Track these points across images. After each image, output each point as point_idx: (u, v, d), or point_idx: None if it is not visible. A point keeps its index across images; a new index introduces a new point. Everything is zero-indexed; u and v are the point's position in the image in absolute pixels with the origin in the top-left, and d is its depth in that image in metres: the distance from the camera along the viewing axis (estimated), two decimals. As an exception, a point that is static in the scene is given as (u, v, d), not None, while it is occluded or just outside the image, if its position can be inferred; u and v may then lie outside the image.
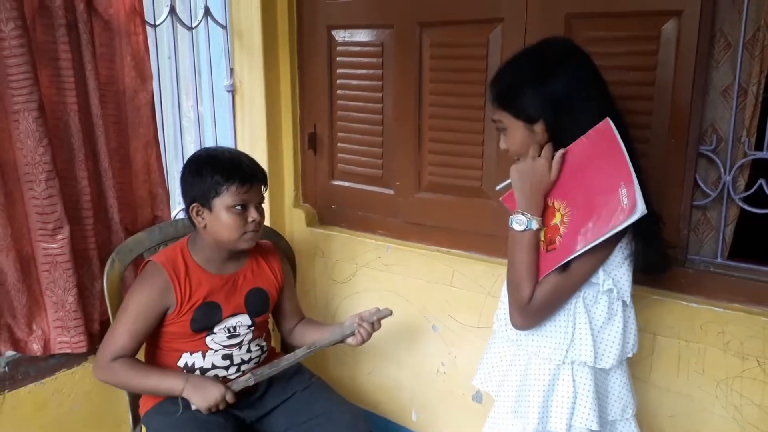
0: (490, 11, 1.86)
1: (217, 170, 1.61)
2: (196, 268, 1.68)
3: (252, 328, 1.75)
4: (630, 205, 1.18)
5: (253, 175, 1.65)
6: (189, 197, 1.66)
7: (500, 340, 1.46)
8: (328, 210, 2.40)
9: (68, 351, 1.81)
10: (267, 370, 1.66)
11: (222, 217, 1.61)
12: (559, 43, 1.33)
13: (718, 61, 1.62)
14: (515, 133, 1.32)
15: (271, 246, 1.88)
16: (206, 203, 1.62)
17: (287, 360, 1.68)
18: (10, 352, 1.76)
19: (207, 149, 1.75)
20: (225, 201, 1.60)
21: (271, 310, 1.81)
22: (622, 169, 1.20)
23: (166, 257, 1.68)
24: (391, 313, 1.73)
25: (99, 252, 1.87)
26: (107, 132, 1.87)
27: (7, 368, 1.75)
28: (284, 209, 2.43)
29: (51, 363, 1.84)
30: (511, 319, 1.34)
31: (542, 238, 1.33)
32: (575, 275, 1.27)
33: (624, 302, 1.34)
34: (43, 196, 1.70)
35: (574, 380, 1.33)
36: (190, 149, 2.43)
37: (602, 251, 1.26)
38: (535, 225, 1.30)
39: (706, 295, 1.65)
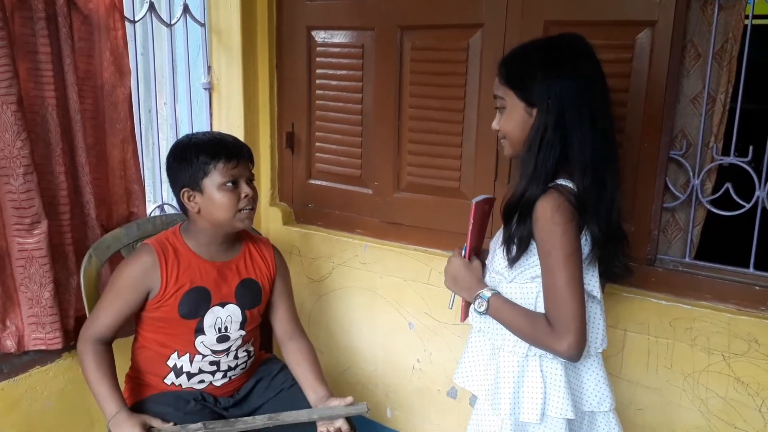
0: (471, 17, 1.91)
1: (201, 151, 1.60)
2: (187, 251, 1.66)
3: (243, 329, 1.71)
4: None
5: (239, 151, 1.64)
6: (178, 184, 1.64)
7: (474, 333, 1.49)
8: (305, 209, 2.41)
9: (43, 347, 1.78)
10: (219, 428, 1.58)
11: (215, 196, 1.60)
12: (577, 41, 1.35)
13: (688, 70, 1.70)
14: (513, 113, 1.35)
15: (266, 240, 1.87)
16: (196, 186, 1.60)
17: (243, 423, 1.60)
18: (-17, 349, 1.73)
19: (188, 135, 1.72)
20: (215, 180, 1.59)
21: (263, 305, 1.78)
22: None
23: (157, 240, 1.67)
24: (366, 410, 1.61)
25: (75, 248, 1.84)
26: (84, 127, 1.85)
27: (-21, 365, 1.72)
28: (261, 208, 2.43)
29: (24, 360, 1.80)
30: (561, 356, 1.32)
31: None
32: (566, 279, 1.28)
33: (591, 296, 1.38)
34: (20, 190, 1.68)
35: (542, 372, 1.36)
36: (165, 146, 2.42)
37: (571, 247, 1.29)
38: (487, 293, 1.38)
39: (675, 292, 1.73)
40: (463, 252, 1.47)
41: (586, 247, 1.33)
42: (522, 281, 1.37)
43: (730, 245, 1.87)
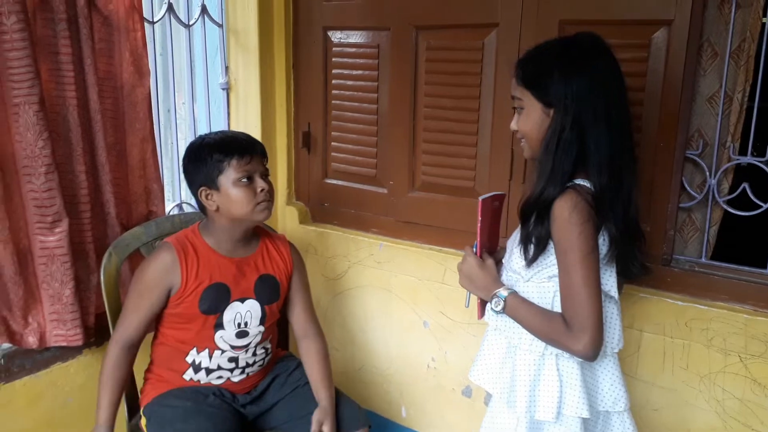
0: (486, 16, 1.91)
1: (215, 149, 1.63)
2: (206, 248, 1.69)
3: (262, 325, 1.74)
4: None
5: (251, 147, 1.66)
6: (195, 184, 1.67)
7: (491, 331, 1.49)
8: (321, 208, 2.43)
9: (64, 344, 1.81)
10: None
11: (231, 193, 1.62)
12: (593, 40, 1.35)
13: (705, 69, 1.69)
14: (532, 114, 1.35)
15: (282, 236, 1.89)
16: (212, 184, 1.63)
17: None
18: (6, 345, 1.76)
19: (200, 136, 1.75)
20: (230, 176, 1.62)
21: (282, 300, 1.80)
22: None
23: (176, 238, 1.70)
24: None
25: (95, 246, 1.88)
26: (105, 127, 1.88)
27: (2, 361, 1.75)
28: (277, 206, 2.45)
29: (46, 356, 1.84)
30: (578, 355, 1.32)
31: None
32: (583, 278, 1.28)
33: (609, 296, 1.37)
34: (42, 189, 1.71)
35: (559, 371, 1.36)
36: (183, 146, 2.45)
37: (589, 246, 1.29)
38: (504, 292, 1.38)
39: (691, 293, 1.72)
40: (474, 249, 1.48)
41: (603, 247, 1.33)
42: (539, 280, 1.37)
43: (747, 245, 1.86)
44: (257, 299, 1.73)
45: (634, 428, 1.45)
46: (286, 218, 2.45)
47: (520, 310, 1.37)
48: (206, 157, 1.63)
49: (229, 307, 1.69)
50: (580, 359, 1.34)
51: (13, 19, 1.60)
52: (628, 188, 1.34)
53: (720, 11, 1.66)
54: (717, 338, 1.66)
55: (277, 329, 1.89)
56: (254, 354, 1.76)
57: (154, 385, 1.74)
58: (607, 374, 1.42)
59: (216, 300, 1.67)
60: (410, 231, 2.20)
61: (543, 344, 1.37)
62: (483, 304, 1.50)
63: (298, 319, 1.86)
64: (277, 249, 1.82)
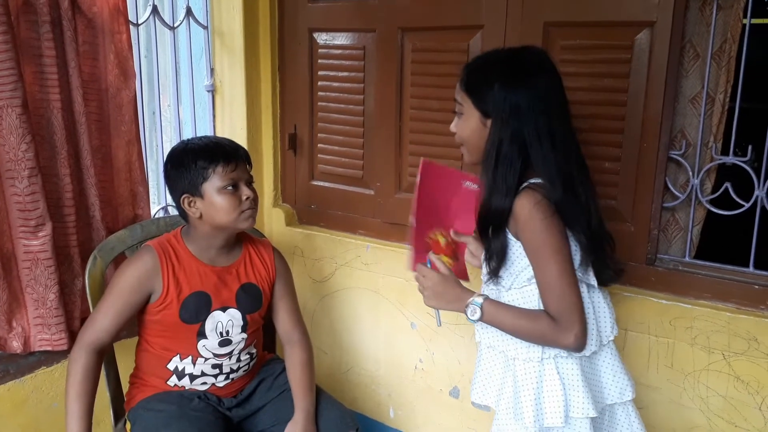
0: (471, 18, 1.92)
1: (199, 156, 1.60)
2: (188, 255, 1.67)
3: (245, 333, 1.72)
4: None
5: (236, 154, 1.64)
6: (178, 190, 1.64)
7: (484, 349, 1.47)
8: (308, 210, 2.43)
9: (48, 348, 1.80)
10: None
11: (216, 200, 1.60)
12: (538, 55, 1.36)
13: (687, 70, 1.71)
14: (469, 121, 1.36)
15: (266, 242, 1.87)
16: (196, 191, 1.60)
17: None
18: (-10, 350, 1.75)
19: (183, 141, 1.72)
20: (215, 184, 1.59)
21: (264, 308, 1.78)
22: (453, 178, 1.52)
23: (158, 242, 1.67)
24: None
25: (80, 249, 1.87)
26: (89, 130, 1.87)
27: (-14, 366, 1.74)
28: (263, 209, 2.45)
29: (30, 360, 1.82)
30: (568, 348, 1.32)
31: (448, 261, 1.46)
32: (558, 269, 1.28)
33: (588, 285, 1.37)
34: (25, 192, 1.70)
35: (560, 374, 1.34)
36: (168, 148, 2.44)
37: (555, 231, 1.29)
38: (479, 299, 1.36)
39: (675, 292, 1.74)
40: (429, 264, 1.46)
41: (576, 256, 1.33)
42: (520, 285, 1.37)
43: (729, 244, 1.88)
44: (238, 308, 1.71)
45: (639, 420, 1.44)
46: (273, 220, 2.45)
47: (500, 314, 1.35)
48: (190, 163, 1.60)
49: (210, 317, 1.67)
50: (574, 354, 1.33)
51: (-5, 21, 1.59)
52: (585, 199, 1.34)
53: (701, 13, 1.68)
54: (701, 336, 1.68)
55: (263, 333, 1.88)
56: (238, 360, 1.74)
57: (139, 389, 1.72)
58: (607, 366, 1.40)
59: (197, 309, 1.65)
60: (397, 232, 2.20)
61: (539, 351, 1.34)
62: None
63: (282, 324, 1.84)
64: (260, 256, 1.79)
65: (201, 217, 1.63)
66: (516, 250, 1.34)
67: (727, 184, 1.69)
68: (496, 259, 1.34)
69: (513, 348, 1.38)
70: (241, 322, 1.72)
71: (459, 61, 1.93)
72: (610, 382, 1.40)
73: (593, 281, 1.38)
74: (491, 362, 1.45)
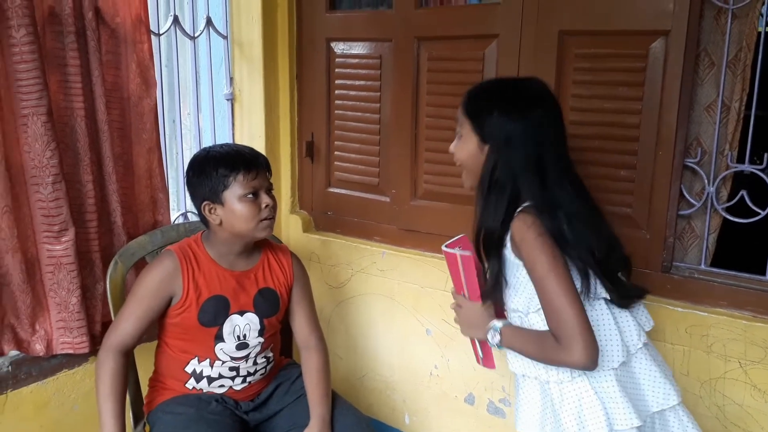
0: (486, 27, 1.94)
1: (220, 164, 1.63)
2: (208, 260, 1.69)
3: (262, 337, 1.74)
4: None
5: (257, 162, 1.66)
6: (199, 197, 1.66)
7: (519, 377, 1.46)
8: (324, 217, 2.45)
9: (70, 351, 1.84)
10: None
11: (236, 208, 1.62)
12: (539, 86, 1.38)
13: (702, 78, 1.72)
14: (468, 144, 1.39)
15: (284, 247, 1.90)
16: (217, 199, 1.63)
17: None
18: (14, 352, 1.78)
19: (205, 149, 1.75)
20: (235, 192, 1.62)
21: (282, 312, 1.80)
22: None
23: (179, 246, 1.70)
24: None
25: (102, 255, 1.90)
26: (112, 137, 1.91)
27: (10, 368, 1.77)
28: (281, 215, 2.48)
29: (53, 363, 1.86)
30: (577, 367, 1.30)
31: None
32: (559, 288, 1.27)
33: (606, 299, 1.36)
34: (49, 198, 1.73)
35: (594, 388, 1.33)
36: (188, 156, 2.48)
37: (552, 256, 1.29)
38: (498, 324, 1.39)
39: (691, 300, 1.73)
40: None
41: (577, 282, 1.31)
42: (536, 309, 1.36)
43: (746, 252, 1.87)
44: (256, 312, 1.73)
45: (693, 423, 1.41)
46: (290, 227, 2.48)
47: (515, 338, 1.37)
48: (211, 171, 1.63)
49: (228, 320, 1.69)
50: (604, 367, 1.31)
51: (22, 32, 1.63)
52: (582, 232, 1.32)
53: (716, 21, 1.69)
54: (717, 344, 1.68)
55: (280, 337, 1.90)
56: (255, 363, 1.76)
57: (158, 392, 1.75)
58: (644, 373, 1.38)
59: (215, 312, 1.68)
60: (413, 239, 2.22)
61: (569, 370, 1.33)
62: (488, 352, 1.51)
63: (300, 329, 1.86)
64: (278, 261, 1.82)
65: (221, 223, 1.66)
66: (525, 274, 1.34)
67: (743, 192, 1.69)
68: (494, 283, 1.37)
69: (544, 372, 1.37)
70: (259, 326, 1.73)
71: (474, 70, 1.97)
72: (650, 389, 1.38)
73: (605, 293, 1.36)
74: (528, 390, 1.44)
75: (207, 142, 2.41)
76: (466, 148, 1.40)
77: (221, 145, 1.74)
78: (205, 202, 1.65)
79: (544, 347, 1.30)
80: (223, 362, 1.72)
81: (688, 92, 1.69)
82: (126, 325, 1.65)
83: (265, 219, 1.66)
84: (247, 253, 1.75)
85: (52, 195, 1.74)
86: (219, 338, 1.69)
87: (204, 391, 1.73)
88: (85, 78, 1.81)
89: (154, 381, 1.79)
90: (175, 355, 1.72)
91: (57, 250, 1.78)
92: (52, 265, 1.78)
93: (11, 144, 1.70)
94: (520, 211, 1.32)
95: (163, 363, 1.76)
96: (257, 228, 1.65)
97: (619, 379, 1.34)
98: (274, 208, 1.68)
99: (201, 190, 1.65)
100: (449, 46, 2.04)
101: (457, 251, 1.43)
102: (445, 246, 1.46)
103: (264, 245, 1.81)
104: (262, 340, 1.75)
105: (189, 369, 1.71)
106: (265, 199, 1.65)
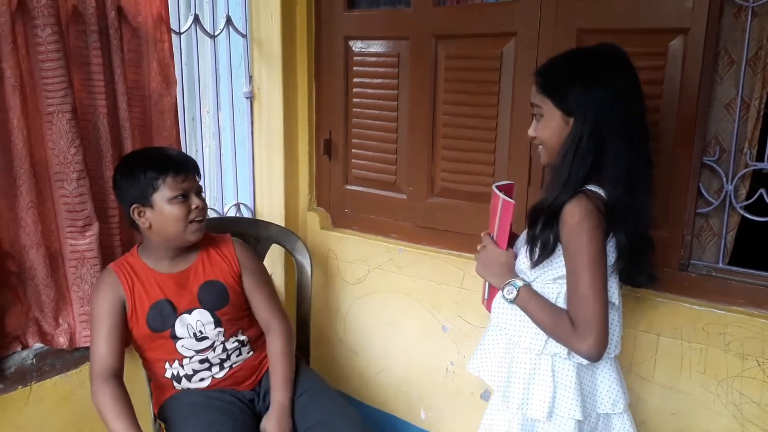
0: (504, 25, 1.94)
1: (149, 166, 1.63)
2: (145, 269, 1.71)
3: (219, 327, 1.74)
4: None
5: (185, 164, 1.67)
6: (127, 201, 1.67)
7: (493, 327, 1.54)
8: (342, 214, 2.47)
9: (93, 344, 1.88)
10: None
11: (165, 210, 1.63)
12: (617, 52, 1.38)
13: (722, 76, 1.71)
14: (551, 122, 1.38)
15: (226, 237, 1.87)
16: (146, 202, 1.64)
17: None
18: (38, 345, 1.83)
19: (133, 152, 1.76)
20: (165, 194, 1.63)
21: (234, 301, 1.78)
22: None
23: (116, 263, 1.74)
24: None
25: (123, 249, 1.94)
26: (133, 134, 1.94)
27: (34, 360, 1.81)
28: (299, 212, 2.50)
29: (76, 356, 1.90)
30: (580, 354, 1.34)
31: None
32: (594, 287, 1.30)
33: (611, 302, 1.39)
34: (74, 194, 1.77)
35: (554, 372, 1.40)
36: (207, 153, 2.51)
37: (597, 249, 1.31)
38: (519, 282, 1.41)
39: (708, 297, 1.73)
40: (492, 237, 1.51)
41: (611, 256, 1.36)
42: (544, 282, 1.41)
43: (763, 251, 1.86)
44: (204, 307, 1.73)
45: (634, 429, 1.48)
46: (308, 224, 2.50)
47: (531, 302, 1.39)
48: (139, 174, 1.63)
49: (178, 321, 1.71)
50: (584, 360, 1.37)
51: (48, 31, 1.67)
52: (642, 202, 1.36)
53: (736, 19, 1.68)
54: (734, 342, 1.67)
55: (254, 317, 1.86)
56: (225, 349, 1.76)
57: (162, 391, 1.79)
58: (606, 377, 1.45)
59: (162, 317, 1.69)
60: (429, 236, 2.23)
61: (541, 344, 1.40)
62: (493, 295, 1.51)
63: (259, 313, 1.84)
64: (219, 252, 1.80)
65: (150, 227, 1.67)
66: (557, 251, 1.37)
67: (762, 191, 1.68)
68: (543, 251, 1.36)
69: (518, 335, 1.44)
70: (211, 319, 1.74)
71: (492, 68, 1.98)
72: (605, 393, 1.45)
73: (615, 298, 1.41)
74: (495, 342, 1.52)
75: (226, 140, 2.44)
76: (550, 126, 1.38)
77: (149, 148, 1.75)
78: (134, 205, 1.66)
79: (557, 324, 1.34)
80: (190, 358, 1.73)
81: (707, 90, 1.68)
82: (101, 349, 1.65)
83: (195, 221, 1.67)
84: (183, 255, 1.76)
85: (77, 191, 1.77)
86: (174, 338, 1.71)
87: (192, 389, 1.75)
88: (107, 76, 1.84)
89: (155, 386, 1.84)
90: (152, 367, 1.76)
91: (81, 244, 1.81)
92: (76, 259, 1.82)
93: (36, 141, 1.74)
94: (580, 192, 1.32)
95: (151, 374, 1.80)
96: (187, 231, 1.66)
97: (578, 373, 1.40)
98: (204, 209, 1.69)
99: (130, 193, 1.66)
100: (467, 45, 2.05)
101: (502, 195, 1.43)
102: (496, 186, 1.46)
103: (202, 240, 1.78)
104: (221, 329, 1.74)
105: (168, 374, 1.75)
106: (195, 201, 1.67)
